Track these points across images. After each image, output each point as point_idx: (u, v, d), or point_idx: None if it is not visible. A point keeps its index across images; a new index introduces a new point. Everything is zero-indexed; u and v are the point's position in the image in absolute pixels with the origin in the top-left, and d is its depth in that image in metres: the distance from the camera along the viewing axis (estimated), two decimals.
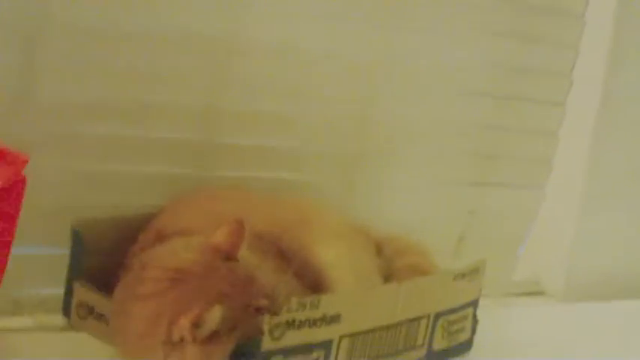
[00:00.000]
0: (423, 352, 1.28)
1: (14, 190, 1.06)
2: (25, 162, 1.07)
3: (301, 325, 1.08)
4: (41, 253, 1.35)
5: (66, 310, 1.27)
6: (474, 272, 1.33)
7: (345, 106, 1.57)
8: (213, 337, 1.03)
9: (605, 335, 1.64)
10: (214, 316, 1.02)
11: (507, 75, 1.75)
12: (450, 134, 1.71)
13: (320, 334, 1.11)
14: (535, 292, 1.92)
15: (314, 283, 1.25)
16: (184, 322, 1.02)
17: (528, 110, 1.80)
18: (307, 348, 1.10)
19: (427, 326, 1.27)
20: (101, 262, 1.24)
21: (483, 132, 1.76)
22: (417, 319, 1.25)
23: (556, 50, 1.82)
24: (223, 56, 1.41)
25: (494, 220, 1.83)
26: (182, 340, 1.04)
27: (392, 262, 1.42)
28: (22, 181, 1.07)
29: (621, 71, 1.84)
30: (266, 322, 1.04)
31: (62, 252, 1.28)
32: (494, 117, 1.75)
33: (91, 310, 1.23)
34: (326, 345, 1.12)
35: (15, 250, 1.09)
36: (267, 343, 1.05)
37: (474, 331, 1.39)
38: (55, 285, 1.30)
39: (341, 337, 1.14)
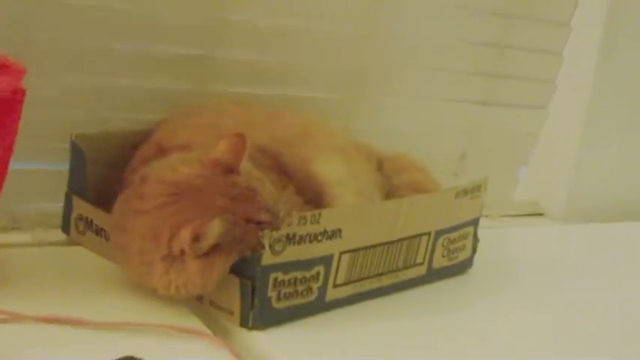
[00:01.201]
0: (423, 269, 1.28)
1: (13, 100, 1.05)
2: (24, 72, 1.05)
3: (302, 239, 1.07)
4: (40, 168, 1.35)
5: (65, 226, 1.27)
6: (475, 190, 1.32)
7: (347, 21, 1.54)
8: (214, 250, 1.03)
9: (604, 256, 1.64)
10: (215, 229, 1.02)
11: None
12: (453, 52, 1.69)
13: (320, 249, 1.10)
14: (535, 213, 1.93)
15: (315, 198, 1.24)
16: (185, 235, 1.02)
17: (533, 29, 1.78)
18: (308, 263, 1.10)
19: (428, 244, 1.27)
20: (101, 176, 1.23)
21: (487, 50, 1.74)
22: (418, 236, 1.25)
23: None
24: None
25: (496, 140, 1.82)
26: (182, 253, 1.03)
27: (392, 179, 1.41)
28: (22, 92, 1.05)
29: None
30: (267, 236, 1.04)
31: (62, 168, 1.27)
32: (498, 35, 1.73)
33: (90, 225, 1.22)
34: (326, 260, 1.12)
35: (14, 165, 1.08)
36: (267, 258, 1.04)
37: (474, 250, 1.39)
38: (55, 200, 1.29)
39: (341, 253, 1.13)
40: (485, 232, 1.40)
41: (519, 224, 1.85)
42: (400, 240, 1.22)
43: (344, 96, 1.60)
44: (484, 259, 1.40)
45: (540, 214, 1.93)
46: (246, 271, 1.05)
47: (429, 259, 1.29)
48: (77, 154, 1.24)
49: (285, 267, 1.07)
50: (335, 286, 1.14)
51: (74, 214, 1.25)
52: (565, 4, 1.81)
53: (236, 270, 1.06)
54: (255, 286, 1.05)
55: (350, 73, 1.58)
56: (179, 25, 1.38)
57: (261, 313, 1.06)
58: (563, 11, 1.81)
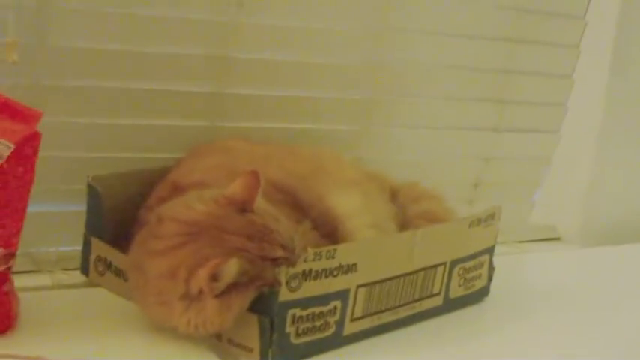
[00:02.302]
0: (440, 300, 1.29)
1: (29, 145, 1.06)
2: (39, 117, 1.07)
3: (318, 275, 1.08)
4: (58, 210, 1.36)
5: (84, 267, 1.28)
6: (489, 218, 1.33)
7: (356, 52, 1.56)
8: (232, 288, 1.04)
9: (622, 279, 1.64)
10: (232, 268, 1.02)
11: (522, 18, 1.72)
12: (464, 79, 1.70)
13: (337, 283, 1.11)
14: (551, 238, 1.92)
15: (330, 232, 1.25)
16: (202, 275, 1.02)
17: (543, 53, 1.78)
18: (325, 298, 1.10)
19: (444, 274, 1.28)
20: (118, 216, 1.24)
21: (497, 76, 1.74)
22: (434, 266, 1.25)
23: None
24: (233, 6, 1.40)
25: (509, 165, 1.82)
26: (200, 292, 1.04)
27: (406, 209, 1.42)
28: (37, 136, 1.07)
29: (636, 13, 1.82)
30: (283, 272, 1.05)
31: (79, 208, 1.28)
32: (508, 61, 1.74)
33: (109, 265, 1.24)
34: (343, 294, 1.12)
35: (32, 208, 1.09)
36: (284, 294, 1.05)
37: (490, 278, 1.39)
38: (73, 242, 1.31)
39: (358, 286, 1.14)
40: (502, 258, 1.41)
41: (536, 249, 1.84)
42: (416, 271, 1.22)
43: (356, 127, 1.60)
44: (501, 286, 1.40)
45: (557, 239, 1.92)
46: (264, 307, 1.06)
47: (445, 289, 1.29)
48: (94, 196, 1.25)
49: (303, 303, 1.08)
50: (353, 319, 1.15)
51: (93, 256, 1.26)
52: (573, 27, 1.81)
53: (254, 307, 1.06)
54: (273, 323, 1.05)
55: (361, 105, 1.60)
56: (188, 63, 1.40)
57: (280, 349, 1.07)
58: (571, 34, 1.82)
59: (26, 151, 1.06)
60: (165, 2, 1.35)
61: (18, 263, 1.11)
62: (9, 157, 1.04)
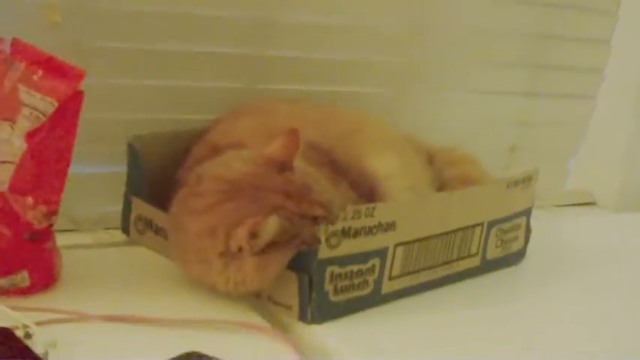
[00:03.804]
0: (477, 260, 1.29)
1: (72, 104, 1.07)
2: (82, 76, 1.08)
3: (357, 233, 1.08)
4: (99, 171, 1.38)
5: (125, 227, 1.30)
6: (526, 180, 1.33)
7: (394, 16, 1.56)
8: (271, 247, 1.05)
9: None
10: (271, 226, 1.03)
11: None
12: (500, 44, 1.70)
13: (375, 241, 1.11)
14: (587, 203, 1.92)
15: (368, 193, 1.26)
16: (242, 232, 1.03)
17: (581, 19, 1.77)
18: (363, 256, 1.11)
19: (481, 235, 1.28)
20: (159, 176, 1.26)
21: (535, 41, 1.74)
22: (471, 227, 1.25)
23: None
24: None
25: (546, 131, 1.82)
26: (240, 250, 1.05)
27: (443, 173, 1.42)
28: (80, 95, 1.08)
29: None
30: (322, 230, 1.05)
31: (120, 170, 1.30)
32: (545, 26, 1.73)
33: (149, 224, 1.25)
34: (382, 253, 1.13)
35: (73, 169, 1.10)
36: (323, 252, 1.06)
37: (527, 241, 1.39)
38: (114, 203, 1.32)
39: (396, 245, 1.14)
40: (538, 222, 1.41)
41: (571, 214, 1.84)
42: (454, 231, 1.23)
43: (393, 91, 1.61)
44: (537, 249, 1.41)
45: (592, 204, 1.92)
46: (303, 265, 1.07)
47: (482, 250, 1.29)
48: (134, 156, 1.27)
49: (342, 261, 1.09)
50: (391, 278, 1.16)
51: (133, 215, 1.28)
52: None
53: (293, 265, 1.07)
54: (312, 281, 1.06)
55: (399, 68, 1.60)
56: (229, 25, 1.41)
57: (319, 307, 1.07)
58: (610, 1, 1.81)
59: (69, 109, 1.07)
60: None
61: (60, 223, 1.12)
62: (52, 114, 1.05)
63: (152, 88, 1.38)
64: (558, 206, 1.83)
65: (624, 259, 1.51)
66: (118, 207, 1.31)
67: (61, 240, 1.15)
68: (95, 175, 1.37)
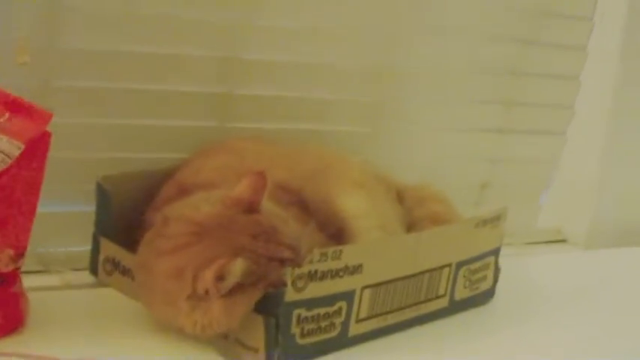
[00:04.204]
0: (445, 301, 1.29)
1: (39, 146, 1.07)
2: (49, 118, 1.08)
3: (324, 275, 1.08)
4: (67, 210, 1.37)
5: (93, 268, 1.29)
6: (495, 219, 1.33)
7: (363, 55, 1.56)
8: (237, 289, 1.04)
9: (628, 282, 1.64)
10: (237, 268, 1.03)
11: (529, 20, 1.73)
12: (470, 81, 1.71)
13: (342, 284, 1.11)
14: (558, 240, 1.93)
15: (337, 232, 1.26)
16: (208, 275, 1.03)
17: (549, 55, 1.78)
18: (330, 298, 1.11)
19: (449, 275, 1.28)
20: (128, 216, 1.25)
21: (505, 78, 1.75)
22: (439, 268, 1.26)
23: None
24: (242, 7, 1.41)
25: (516, 168, 1.83)
26: (207, 293, 1.05)
27: (413, 211, 1.42)
28: (47, 137, 1.08)
29: None
30: (289, 273, 1.05)
31: (89, 209, 1.29)
32: (515, 62, 1.74)
33: (117, 265, 1.24)
34: (348, 295, 1.13)
35: (41, 208, 1.10)
36: (290, 294, 1.06)
37: (496, 280, 1.39)
38: (82, 242, 1.31)
39: (363, 288, 1.14)
40: (508, 260, 1.41)
41: (542, 251, 1.85)
42: (422, 273, 1.23)
43: (363, 129, 1.61)
44: (506, 288, 1.41)
45: (563, 241, 1.93)
46: (269, 308, 1.06)
47: (450, 291, 1.29)
48: (103, 196, 1.26)
49: (308, 303, 1.08)
50: (358, 321, 1.16)
51: (102, 256, 1.27)
52: (581, 29, 1.82)
53: (260, 307, 1.07)
54: (279, 323, 1.06)
55: (369, 107, 1.60)
56: (197, 64, 1.41)
57: (285, 350, 1.07)
58: (579, 36, 1.82)
59: (36, 151, 1.07)
60: (175, 3, 1.36)
61: (27, 263, 1.11)
62: (19, 156, 1.05)
63: (121, 127, 1.38)
64: (528, 244, 1.84)
65: (594, 296, 1.52)
66: (87, 246, 1.30)
67: (28, 281, 1.14)
68: (63, 214, 1.36)
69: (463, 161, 1.76)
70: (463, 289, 1.32)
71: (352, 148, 1.56)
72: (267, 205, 1.13)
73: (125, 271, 1.23)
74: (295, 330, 1.08)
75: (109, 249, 1.26)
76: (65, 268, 1.35)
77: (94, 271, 1.29)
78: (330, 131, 1.57)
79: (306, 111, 1.53)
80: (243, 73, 1.45)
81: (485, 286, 1.37)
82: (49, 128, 1.08)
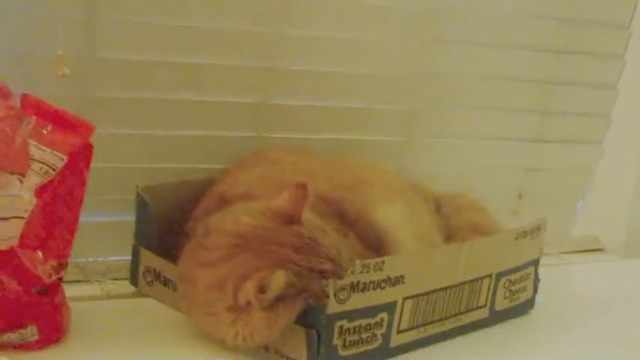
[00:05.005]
0: (485, 312, 1.29)
1: (81, 157, 1.08)
2: (92, 130, 1.09)
3: (365, 287, 1.08)
4: (108, 220, 1.38)
5: (133, 278, 1.30)
6: (535, 230, 1.33)
7: (400, 65, 1.57)
8: (279, 301, 1.04)
9: None
10: (279, 280, 1.03)
11: (566, 28, 1.73)
12: (507, 90, 1.70)
13: (384, 295, 1.11)
14: (595, 249, 1.91)
15: (376, 243, 1.25)
16: (250, 287, 1.03)
17: (587, 64, 1.78)
18: (372, 310, 1.11)
19: (489, 286, 1.28)
20: (167, 227, 1.26)
21: (541, 86, 1.74)
22: (480, 279, 1.25)
23: (615, 2, 1.79)
24: (279, 18, 1.41)
25: (552, 176, 1.82)
26: (248, 304, 1.05)
27: (450, 220, 1.42)
28: (89, 149, 1.09)
29: None
30: (331, 285, 1.05)
31: (128, 218, 1.30)
32: (552, 71, 1.74)
33: (157, 276, 1.25)
34: (390, 307, 1.13)
35: (82, 218, 1.11)
36: (332, 306, 1.05)
37: (535, 290, 1.39)
38: (123, 252, 1.32)
39: (404, 299, 1.14)
40: (546, 269, 1.41)
41: (579, 261, 1.83)
42: (462, 283, 1.23)
43: (400, 138, 1.61)
44: (545, 298, 1.40)
45: (600, 250, 1.91)
46: (311, 320, 1.06)
47: (491, 302, 1.29)
48: (143, 207, 1.27)
49: (350, 315, 1.08)
50: (399, 332, 1.15)
51: (142, 266, 1.28)
52: (618, 37, 1.81)
53: (302, 319, 1.07)
54: (320, 335, 1.06)
55: (405, 116, 1.61)
56: (236, 74, 1.42)
57: None
58: (616, 44, 1.81)
59: (79, 163, 1.08)
60: (213, 14, 1.36)
61: (68, 273, 1.12)
62: (61, 168, 1.06)
63: (160, 137, 1.39)
64: (565, 253, 1.82)
65: (633, 305, 1.51)
66: (126, 256, 1.31)
67: (69, 291, 1.15)
68: (103, 224, 1.38)
69: (499, 170, 1.76)
70: (503, 300, 1.31)
71: (388, 157, 1.57)
72: (308, 216, 1.13)
73: (166, 282, 1.23)
74: (337, 341, 1.08)
75: (150, 260, 1.26)
76: (105, 277, 1.36)
77: (134, 281, 1.29)
78: (365, 140, 1.57)
79: (342, 120, 1.54)
80: (279, 83, 1.45)
81: (525, 296, 1.36)
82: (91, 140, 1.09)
